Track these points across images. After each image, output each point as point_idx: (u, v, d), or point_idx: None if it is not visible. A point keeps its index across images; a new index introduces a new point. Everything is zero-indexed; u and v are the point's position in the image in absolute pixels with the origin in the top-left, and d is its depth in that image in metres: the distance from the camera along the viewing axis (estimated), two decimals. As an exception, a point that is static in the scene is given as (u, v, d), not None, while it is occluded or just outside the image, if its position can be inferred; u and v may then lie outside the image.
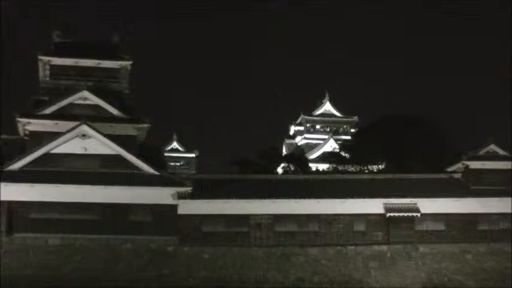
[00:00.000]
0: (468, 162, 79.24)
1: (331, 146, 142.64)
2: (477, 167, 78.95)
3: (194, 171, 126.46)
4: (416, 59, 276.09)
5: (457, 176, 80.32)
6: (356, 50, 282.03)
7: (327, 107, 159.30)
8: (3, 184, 67.65)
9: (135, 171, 71.61)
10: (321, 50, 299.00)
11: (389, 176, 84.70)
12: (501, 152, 79.86)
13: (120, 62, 78.88)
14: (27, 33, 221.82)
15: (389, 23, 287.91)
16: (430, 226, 74.56)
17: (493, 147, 79.95)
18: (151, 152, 77.20)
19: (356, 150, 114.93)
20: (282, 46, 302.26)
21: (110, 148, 71.10)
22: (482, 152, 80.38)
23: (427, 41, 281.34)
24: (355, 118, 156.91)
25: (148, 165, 71.85)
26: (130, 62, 79.34)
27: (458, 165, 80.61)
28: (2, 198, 67.15)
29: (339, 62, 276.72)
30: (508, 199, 75.37)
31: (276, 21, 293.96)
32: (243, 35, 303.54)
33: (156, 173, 71.98)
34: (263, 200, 72.90)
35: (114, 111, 74.96)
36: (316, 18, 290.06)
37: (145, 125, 75.54)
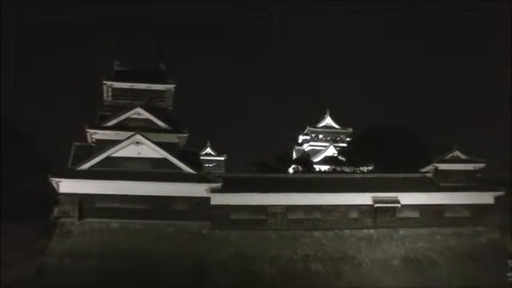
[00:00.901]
0: (438, 165, 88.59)
1: (331, 151, 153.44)
2: (445, 169, 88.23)
3: (223, 171, 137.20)
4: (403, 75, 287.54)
5: (429, 175, 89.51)
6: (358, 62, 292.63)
7: (328, 120, 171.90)
8: (76, 180, 78.35)
9: (178, 171, 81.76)
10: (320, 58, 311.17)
11: (377, 175, 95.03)
12: (463, 156, 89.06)
13: (166, 86, 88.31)
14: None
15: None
16: (408, 214, 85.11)
17: (457, 152, 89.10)
18: (190, 155, 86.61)
19: (350, 155, 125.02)
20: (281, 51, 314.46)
21: (158, 153, 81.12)
22: (448, 157, 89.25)
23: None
24: (350, 129, 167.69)
25: (187, 166, 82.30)
26: (174, 85, 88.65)
27: (430, 167, 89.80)
28: (76, 191, 78.06)
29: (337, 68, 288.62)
30: (468, 193, 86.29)
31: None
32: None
33: (194, 172, 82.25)
34: (278, 194, 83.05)
35: (161, 123, 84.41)
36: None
37: (185, 135, 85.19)
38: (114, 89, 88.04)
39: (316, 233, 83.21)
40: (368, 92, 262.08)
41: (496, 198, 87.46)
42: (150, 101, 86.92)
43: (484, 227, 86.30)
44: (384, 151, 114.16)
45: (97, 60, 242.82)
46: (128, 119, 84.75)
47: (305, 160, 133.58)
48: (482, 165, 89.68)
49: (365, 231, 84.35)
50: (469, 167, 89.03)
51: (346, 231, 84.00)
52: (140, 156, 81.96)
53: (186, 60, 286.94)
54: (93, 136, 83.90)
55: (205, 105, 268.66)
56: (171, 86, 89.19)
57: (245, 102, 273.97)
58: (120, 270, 72.86)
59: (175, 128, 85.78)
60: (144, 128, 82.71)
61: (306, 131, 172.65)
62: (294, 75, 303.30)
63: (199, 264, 76.63)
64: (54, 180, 78.51)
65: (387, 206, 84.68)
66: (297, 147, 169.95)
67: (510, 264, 76.07)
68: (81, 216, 78.84)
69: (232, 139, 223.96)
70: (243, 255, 79.46)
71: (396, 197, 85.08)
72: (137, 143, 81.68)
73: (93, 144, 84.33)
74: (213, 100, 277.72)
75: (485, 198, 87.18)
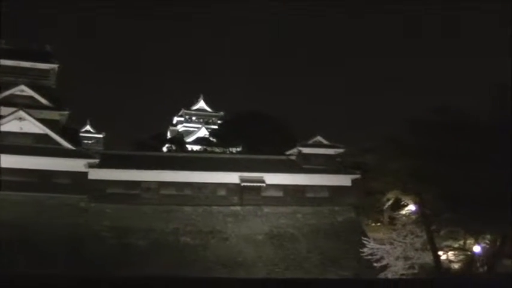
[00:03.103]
0: (301, 148, 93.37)
1: (203, 133, 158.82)
2: (307, 152, 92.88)
3: (102, 148, 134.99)
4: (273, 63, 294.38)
5: (293, 158, 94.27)
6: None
7: (201, 104, 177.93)
8: (-41, 152, 78.49)
9: (58, 147, 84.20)
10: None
11: (244, 156, 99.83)
12: (324, 141, 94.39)
13: (50, 65, 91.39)
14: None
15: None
16: (272, 193, 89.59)
17: (319, 138, 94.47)
18: (70, 132, 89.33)
19: (221, 137, 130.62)
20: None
21: (39, 129, 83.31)
22: (311, 141, 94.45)
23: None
24: (221, 113, 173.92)
25: (67, 142, 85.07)
26: (58, 65, 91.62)
27: (294, 150, 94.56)
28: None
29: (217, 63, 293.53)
30: (328, 175, 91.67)
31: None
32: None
33: (73, 148, 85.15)
34: (152, 171, 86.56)
35: (44, 101, 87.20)
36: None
37: (66, 112, 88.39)
38: (0, 66, 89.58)
39: (187, 208, 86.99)
40: (241, 78, 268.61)
41: (353, 181, 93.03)
42: (34, 79, 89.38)
43: (341, 207, 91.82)
44: (252, 134, 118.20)
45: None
46: (12, 95, 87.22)
47: (178, 140, 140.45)
48: (341, 150, 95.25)
49: (232, 208, 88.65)
50: (330, 151, 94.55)
51: (215, 207, 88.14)
52: (23, 131, 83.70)
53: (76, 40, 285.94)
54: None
55: (88, 83, 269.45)
56: (55, 66, 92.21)
57: (126, 85, 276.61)
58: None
59: (57, 106, 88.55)
60: (27, 105, 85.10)
61: (180, 113, 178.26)
62: (174, 57, 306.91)
63: (76, 236, 78.20)
64: None
65: (253, 185, 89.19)
66: (172, 128, 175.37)
67: (364, 241, 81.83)
68: (-35, 187, 79.35)
69: (112, 118, 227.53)
70: (118, 227, 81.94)
71: (262, 177, 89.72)
72: (20, 118, 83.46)
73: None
74: (96, 79, 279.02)
75: (343, 180, 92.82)
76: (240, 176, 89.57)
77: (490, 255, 76.38)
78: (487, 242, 77.95)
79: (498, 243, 75.41)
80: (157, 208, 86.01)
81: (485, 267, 76.62)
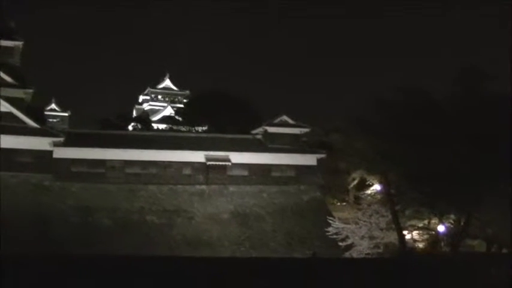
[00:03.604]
0: (267, 127, 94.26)
1: (168, 111, 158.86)
2: (273, 131, 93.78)
3: (67, 126, 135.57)
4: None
5: (259, 137, 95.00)
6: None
7: (167, 82, 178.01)
8: None
9: (22, 125, 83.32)
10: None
11: (210, 135, 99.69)
12: (290, 121, 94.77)
13: (14, 42, 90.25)
14: None
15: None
16: (238, 172, 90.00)
17: (284, 117, 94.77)
18: (35, 111, 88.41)
19: (187, 116, 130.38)
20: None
21: (4, 107, 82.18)
22: (277, 120, 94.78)
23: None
24: (187, 92, 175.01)
25: (32, 120, 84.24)
26: (22, 42, 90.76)
27: (260, 129, 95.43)
28: None
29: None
30: (293, 154, 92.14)
31: None
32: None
33: (38, 126, 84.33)
34: (117, 149, 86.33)
35: (8, 79, 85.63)
36: None
37: (31, 90, 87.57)
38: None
39: (152, 187, 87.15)
40: (206, 57, 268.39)
41: (318, 160, 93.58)
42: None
43: (306, 186, 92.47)
44: (218, 113, 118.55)
45: None
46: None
47: (144, 119, 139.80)
48: (307, 129, 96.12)
49: (197, 186, 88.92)
50: (296, 131, 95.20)
51: (180, 186, 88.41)
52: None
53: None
54: None
55: (54, 61, 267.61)
56: (19, 43, 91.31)
57: (92, 64, 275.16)
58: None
59: (21, 84, 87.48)
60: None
61: (146, 92, 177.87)
62: (139, 35, 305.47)
63: (41, 215, 78.16)
64: None
65: (218, 164, 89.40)
66: (137, 107, 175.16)
67: (329, 221, 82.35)
68: None
69: (78, 96, 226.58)
70: (83, 206, 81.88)
71: (227, 156, 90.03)
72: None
73: None
74: (62, 57, 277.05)
75: (309, 159, 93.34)
76: (205, 155, 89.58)
77: (454, 235, 77.19)
78: (451, 221, 78.88)
79: (462, 223, 76.28)
80: (123, 187, 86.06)
81: (449, 247, 77.39)
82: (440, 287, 49.76)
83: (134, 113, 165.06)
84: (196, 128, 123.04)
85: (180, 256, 70.31)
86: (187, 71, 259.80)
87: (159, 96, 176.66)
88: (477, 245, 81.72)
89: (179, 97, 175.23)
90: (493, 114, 71.65)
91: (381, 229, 78.78)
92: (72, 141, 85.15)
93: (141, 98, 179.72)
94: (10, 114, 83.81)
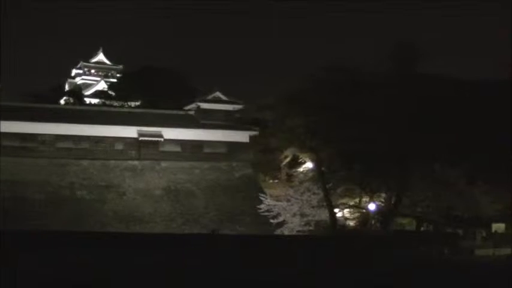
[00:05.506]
0: (199, 104, 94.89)
1: (102, 86, 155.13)
2: (206, 108, 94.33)
3: None
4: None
5: (191, 113, 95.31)
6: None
7: (101, 56, 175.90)
8: None
9: None
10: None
11: (143, 110, 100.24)
12: (223, 97, 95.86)
13: None
14: None
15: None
16: (170, 148, 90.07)
17: (218, 93, 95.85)
18: None
19: (120, 90, 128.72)
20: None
21: None
22: (210, 97, 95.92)
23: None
24: (121, 66, 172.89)
25: None
26: None
27: (193, 105, 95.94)
28: None
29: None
30: (226, 131, 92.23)
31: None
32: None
33: None
34: (48, 123, 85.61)
35: None
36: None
37: None
38: None
39: (84, 162, 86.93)
40: (143, 31, 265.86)
41: (251, 137, 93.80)
42: None
43: (238, 163, 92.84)
44: (152, 88, 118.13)
45: None
46: None
47: (76, 93, 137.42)
48: (240, 106, 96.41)
49: (129, 162, 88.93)
50: (229, 107, 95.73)
51: (112, 161, 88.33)
52: None
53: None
54: None
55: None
56: None
57: (23, 34, 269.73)
58: None
59: None
60: None
61: (79, 66, 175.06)
62: (72, 10, 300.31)
63: None
64: None
65: (151, 140, 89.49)
66: (70, 81, 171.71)
67: (261, 198, 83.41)
68: None
69: (8, 69, 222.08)
70: (13, 181, 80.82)
71: (160, 131, 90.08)
72: None
73: None
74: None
75: (241, 136, 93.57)
76: (138, 131, 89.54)
77: (384, 213, 78.43)
78: (382, 200, 79.98)
79: (392, 202, 77.55)
80: (54, 161, 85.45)
81: (380, 225, 78.70)
82: (370, 264, 50.54)
83: (67, 87, 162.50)
84: (130, 103, 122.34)
85: (112, 232, 70.58)
86: (123, 46, 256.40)
87: (92, 71, 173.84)
88: (407, 223, 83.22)
89: (113, 72, 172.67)
90: (427, 93, 72.69)
91: (313, 207, 79.85)
92: (2, 114, 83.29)
93: (73, 71, 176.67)
94: None
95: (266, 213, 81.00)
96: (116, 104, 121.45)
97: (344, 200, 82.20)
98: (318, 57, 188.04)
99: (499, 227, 79.57)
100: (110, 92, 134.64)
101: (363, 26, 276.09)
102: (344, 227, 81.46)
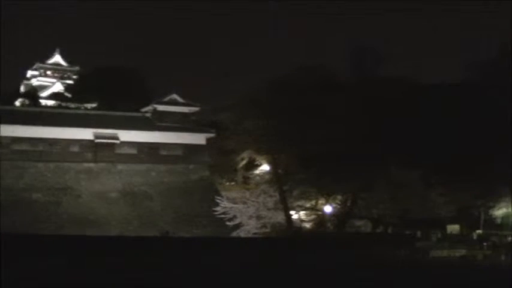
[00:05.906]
0: (156, 106, 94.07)
1: (58, 88, 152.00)
2: (162, 110, 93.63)
3: None
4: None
5: (148, 115, 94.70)
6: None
7: (57, 58, 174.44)
8: None
9: None
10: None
11: (99, 112, 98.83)
12: (180, 99, 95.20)
13: None
14: None
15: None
16: (126, 150, 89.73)
17: (174, 96, 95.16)
18: None
19: (76, 92, 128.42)
20: None
21: None
22: (166, 99, 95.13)
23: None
24: (77, 68, 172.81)
25: None
26: None
27: (149, 108, 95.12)
28: None
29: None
30: (182, 133, 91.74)
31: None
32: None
33: None
34: (3, 125, 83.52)
35: None
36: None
37: None
38: None
39: (39, 165, 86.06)
40: (101, 33, 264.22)
41: (208, 140, 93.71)
42: None
43: (195, 165, 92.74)
44: (108, 90, 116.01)
45: None
46: None
47: (32, 94, 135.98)
48: (197, 108, 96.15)
49: (85, 164, 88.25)
50: (185, 109, 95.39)
51: (67, 164, 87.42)
52: None
53: None
54: None
55: None
56: None
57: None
58: None
59: None
60: None
61: (35, 67, 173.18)
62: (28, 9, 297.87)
63: None
64: None
65: (107, 142, 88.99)
66: (26, 82, 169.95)
67: (217, 200, 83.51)
68: None
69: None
70: None
71: (116, 133, 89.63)
72: None
73: None
74: None
75: (198, 138, 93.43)
76: (93, 133, 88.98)
77: (340, 215, 78.98)
78: (338, 202, 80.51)
79: (348, 204, 78.13)
80: (9, 164, 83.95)
81: (336, 227, 79.22)
82: (325, 265, 50.94)
83: (22, 89, 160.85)
84: (86, 105, 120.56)
85: (67, 235, 70.08)
86: (80, 47, 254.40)
87: (49, 72, 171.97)
88: (363, 225, 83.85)
89: (69, 73, 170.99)
90: (383, 96, 73.39)
91: (269, 209, 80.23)
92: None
93: (29, 73, 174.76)
94: None
95: (222, 216, 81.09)
96: (72, 105, 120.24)
97: (300, 202, 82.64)
98: (289, 59, 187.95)
99: (453, 228, 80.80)
100: (66, 94, 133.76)
101: (335, 27, 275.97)
102: (300, 229, 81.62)
